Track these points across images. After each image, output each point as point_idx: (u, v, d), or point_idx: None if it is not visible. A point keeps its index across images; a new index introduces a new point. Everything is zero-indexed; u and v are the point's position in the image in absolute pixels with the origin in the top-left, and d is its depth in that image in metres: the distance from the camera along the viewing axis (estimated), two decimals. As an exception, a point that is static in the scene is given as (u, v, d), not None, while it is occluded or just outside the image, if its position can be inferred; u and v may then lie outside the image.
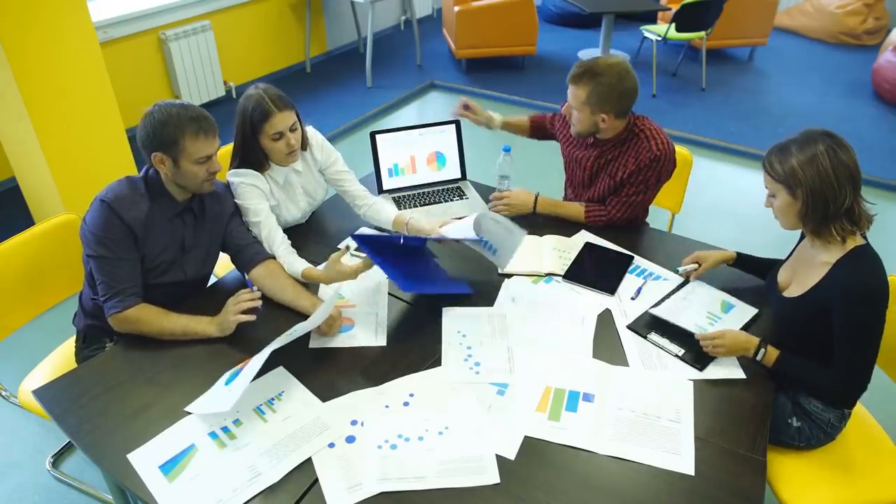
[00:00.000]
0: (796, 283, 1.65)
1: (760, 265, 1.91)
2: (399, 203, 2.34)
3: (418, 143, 2.42)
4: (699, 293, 1.87)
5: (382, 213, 2.13)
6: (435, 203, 2.36)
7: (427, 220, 2.09)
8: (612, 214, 2.16)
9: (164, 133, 1.62)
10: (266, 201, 1.96)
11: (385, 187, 2.40)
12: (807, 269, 1.62)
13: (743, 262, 1.93)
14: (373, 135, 2.35)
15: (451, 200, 2.36)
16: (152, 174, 1.73)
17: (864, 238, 1.56)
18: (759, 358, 1.60)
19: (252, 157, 1.95)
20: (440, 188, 2.43)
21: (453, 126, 2.43)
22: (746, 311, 1.80)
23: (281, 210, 2.06)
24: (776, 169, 1.53)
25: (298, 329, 1.58)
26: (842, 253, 1.53)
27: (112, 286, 1.66)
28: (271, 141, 1.89)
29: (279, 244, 1.91)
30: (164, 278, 1.76)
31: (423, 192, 2.41)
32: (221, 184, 1.93)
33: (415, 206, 2.35)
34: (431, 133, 2.42)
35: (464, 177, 2.47)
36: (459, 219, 2.04)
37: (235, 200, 1.93)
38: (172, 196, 1.75)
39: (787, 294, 1.66)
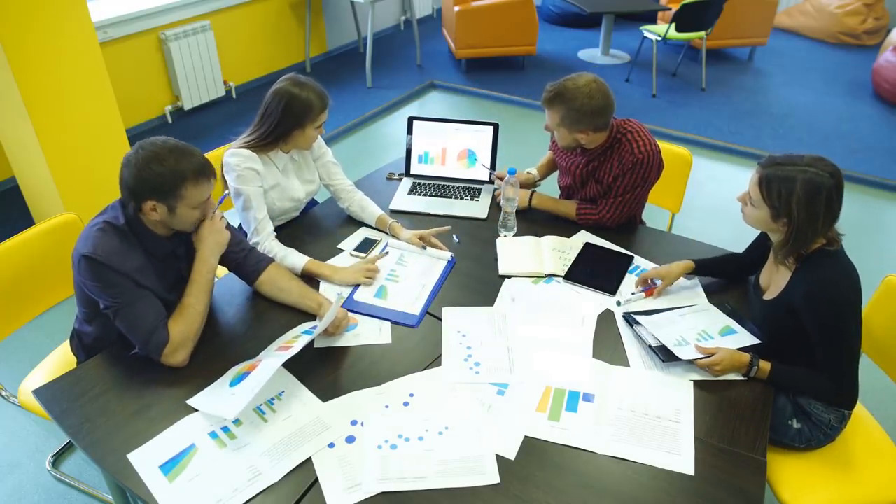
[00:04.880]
0: (773, 285, 1.68)
1: (719, 263, 1.92)
2: (415, 188, 2.40)
3: (452, 137, 2.44)
4: (700, 316, 1.77)
5: (366, 211, 2.20)
6: (444, 196, 2.36)
7: (405, 231, 2.12)
8: (603, 215, 2.17)
9: (164, 183, 1.52)
10: (260, 186, 2.01)
11: (412, 171, 2.49)
12: (779, 272, 1.66)
13: (703, 266, 1.91)
14: (410, 119, 2.44)
15: (462, 198, 2.36)
16: (131, 215, 1.59)
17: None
18: (752, 374, 1.60)
19: (271, 138, 2.00)
20: (461, 185, 2.42)
21: (491, 128, 2.40)
22: (747, 339, 1.69)
23: (282, 192, 2.11)
24: (773, 192, 1.53)
25: (305, 339, 1.58)
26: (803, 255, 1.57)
27: (143, 331, 1.56)
28: (314, 129, 2.02)
29: (268, 235, 1.99)
30: (170, 311, 1.68)
31: (441, 185, 2.42)
32: None
33: (426, 194, 2.37)
34: (467, 130, 2.43)
35: (491, 181, 2.43)
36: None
37: (231, 184, 1.97)
38: (160, 236, 1.65)
39: (766, 297, 1.69)
